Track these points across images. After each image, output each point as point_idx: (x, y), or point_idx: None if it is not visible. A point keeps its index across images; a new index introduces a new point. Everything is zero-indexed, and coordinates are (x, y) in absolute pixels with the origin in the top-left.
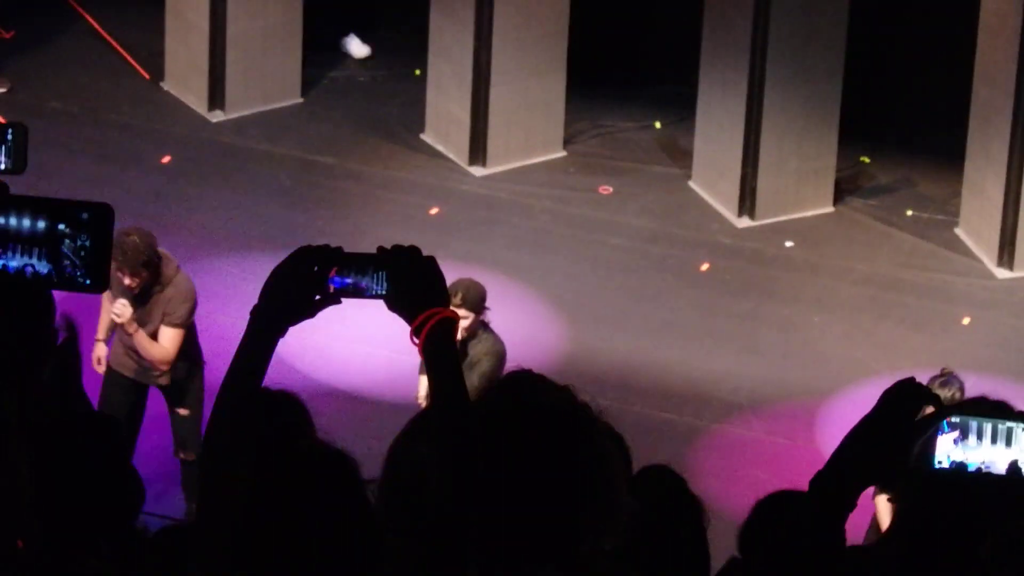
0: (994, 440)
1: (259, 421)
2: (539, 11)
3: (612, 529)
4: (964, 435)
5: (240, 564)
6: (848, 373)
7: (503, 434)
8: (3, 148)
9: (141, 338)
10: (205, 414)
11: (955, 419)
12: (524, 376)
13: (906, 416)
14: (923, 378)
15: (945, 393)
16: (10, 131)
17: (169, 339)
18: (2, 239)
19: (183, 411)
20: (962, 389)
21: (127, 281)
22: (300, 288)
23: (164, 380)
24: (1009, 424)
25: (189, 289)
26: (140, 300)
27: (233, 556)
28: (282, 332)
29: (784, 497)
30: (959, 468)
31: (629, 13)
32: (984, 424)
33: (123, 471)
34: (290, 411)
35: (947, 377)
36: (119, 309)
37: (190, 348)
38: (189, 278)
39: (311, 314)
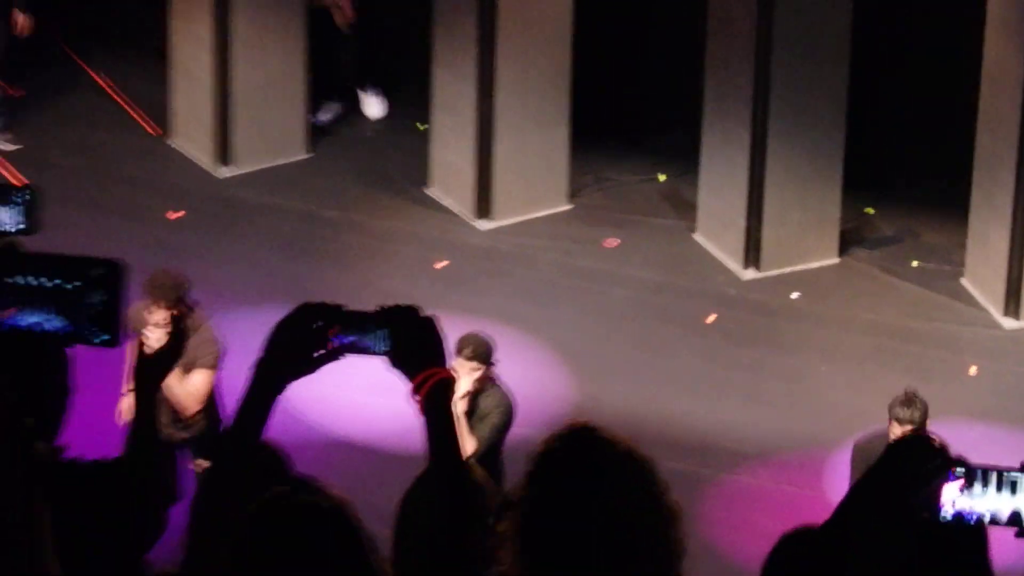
0: (999, 489)
1: (255, 471)
2: (541, 63)
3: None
4: (970, 483)
5: None
6: (855, 423)
7: (583, 486)
8: (17, 209)
9: (172, 378)
10: None
11: (959, 469)
12: (587, 428)
13: (912, 469)
14: (932, 427)
15: (907, 413)
16: (25, 193)
17: (201, 380)
18: (16, 297)
19: (203, 463)
20: (925, 411)
21: (157, 317)
22: (302, 344)
23: (184, 435)
24: (1015, 474)
25: (216, 338)
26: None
27: None
28: (283, 386)
29: (803, 535)
30: (963, 516)
31: (632, 65)
32: (990, 474)
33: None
34: (269, 459)
35: (910, 397)
36: (151, 333)
37: (213, 407)
38: (213, 330)
39: (312, 369)
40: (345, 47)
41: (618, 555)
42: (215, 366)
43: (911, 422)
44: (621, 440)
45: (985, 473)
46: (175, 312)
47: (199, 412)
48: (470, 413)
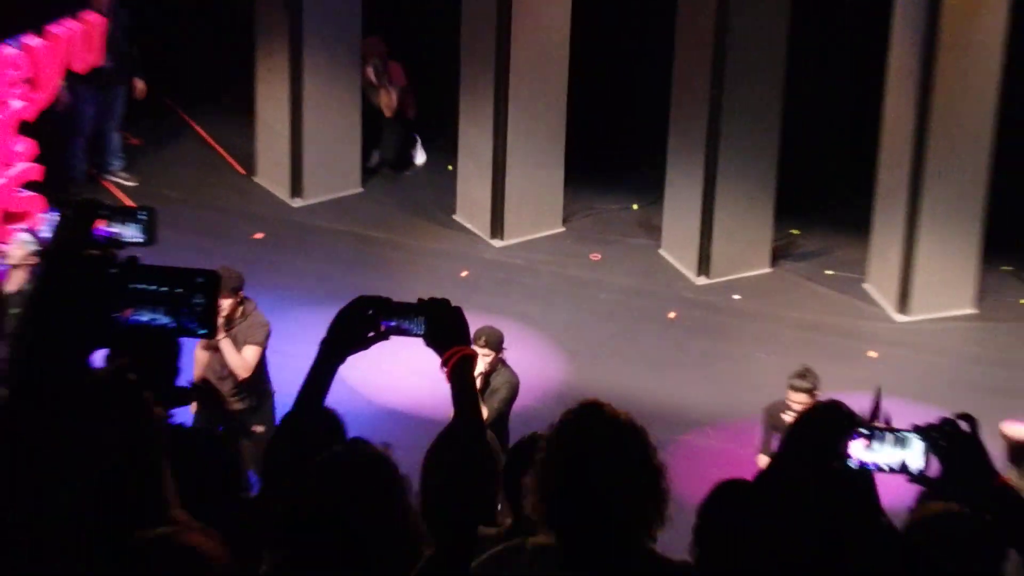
0: (894, 445)
1: (320, 429)
2: (544, 115)
3: (662, 521)
4: (871, 440)
5: (296, 543)
6: (784, 396)
7: (593, 445)
8: (139, 225)
9: (228, 345)
10: None
11: (863, 429)
12: (595, 404)
13: (827, 431)
14: (840, 397)
15: (801, 383)
16: (145, 212)
17: (251, 353)
18: (134, 299)
19: (259, 428)
20: (816, 382)
21: (223, 304)
22: (358, 326)
23: (243, 404)
24: (905, 434)
25: (265, 321)
26: (227, 327)
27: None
28: (342, 360)
29: (734, 485)
30: (865, 466)
31: (612, 120)
32: (887, 434)
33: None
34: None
35: (804, 371)
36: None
37: (262, 379)
38: (263, 315)
39: (366, 347)
40: (388, 122)
41: (621, 501)
42: (263, 343)
43: (805, 390)
44: (622, 413)
45: (882, 432)
46: (234, 300)
47: (252, 386)
48: (482, 390)
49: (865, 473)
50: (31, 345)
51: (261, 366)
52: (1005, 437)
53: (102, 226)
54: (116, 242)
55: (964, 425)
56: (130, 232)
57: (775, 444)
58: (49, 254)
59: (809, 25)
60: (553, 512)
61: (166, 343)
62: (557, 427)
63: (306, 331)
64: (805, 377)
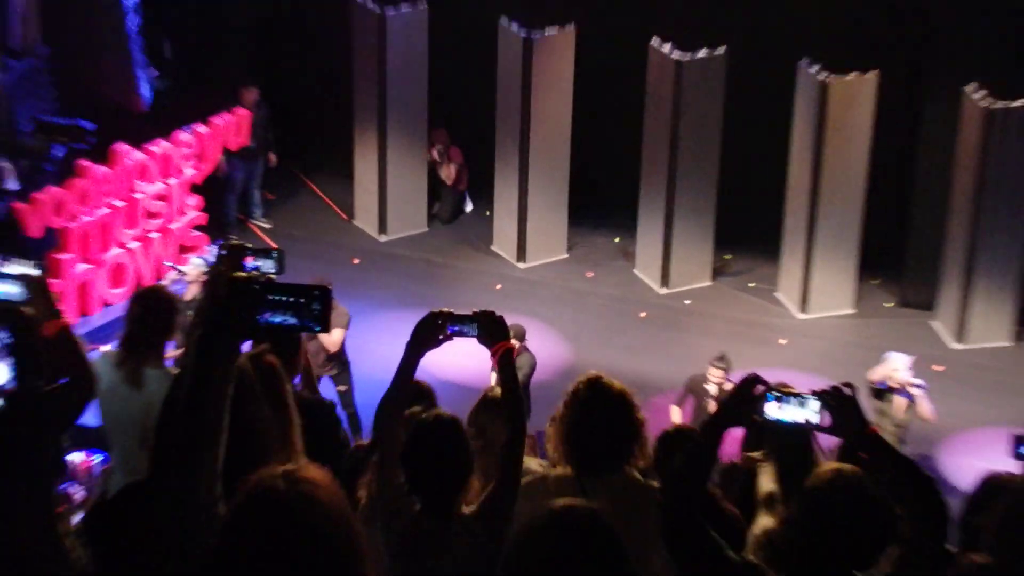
0: (797, 406)
1: (409, 400)
2: (552, 175)
3: (643, 455)
4: (780, 402)
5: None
6: (706, 371)
7: (592, 401)
8: (272, 261)
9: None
10: (353, 392)
11: (776, 394)
12: (597, 377)
13: (750, 393)
14: (758, 372)
15: (719, 364)
16: (277, 252)
17: (337, 334)
18: (272, 306)
19: (342, 387)
20: (729, 364)
21: None
22: (432, 331)
23: (332, 371)
24: (805, 397)
25: (346, 311)
26: None
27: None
28: (422, 355)
29: (681, 431)
30: (777, 421)
31: (601, 176)
32: (792, 397)
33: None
34: (426, 395)
35: (721, 356)
36: None
37: (343, 353)
38: (344, 306)
39: (438, 346)
40: (447, 187)
41: (615, 442)
42: (346, 326)
43: (720, 368)
44: (615, 381)
45: (789, 396)
46: None
47: (337, 358)
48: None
49: (785, 426)
50: (201, 337)
51: (342, 344)
52: (868, 381)
53: (249, 260)
54: (258, 272)
55: (847, 390)
56: (268, 265)
57: (687, 402)
58: (213, 277)
59: (737, 109)
60: (570, 451)
61: (291, 336)
62: (572, 391)
63: (390, 327)
64: (722, 359)
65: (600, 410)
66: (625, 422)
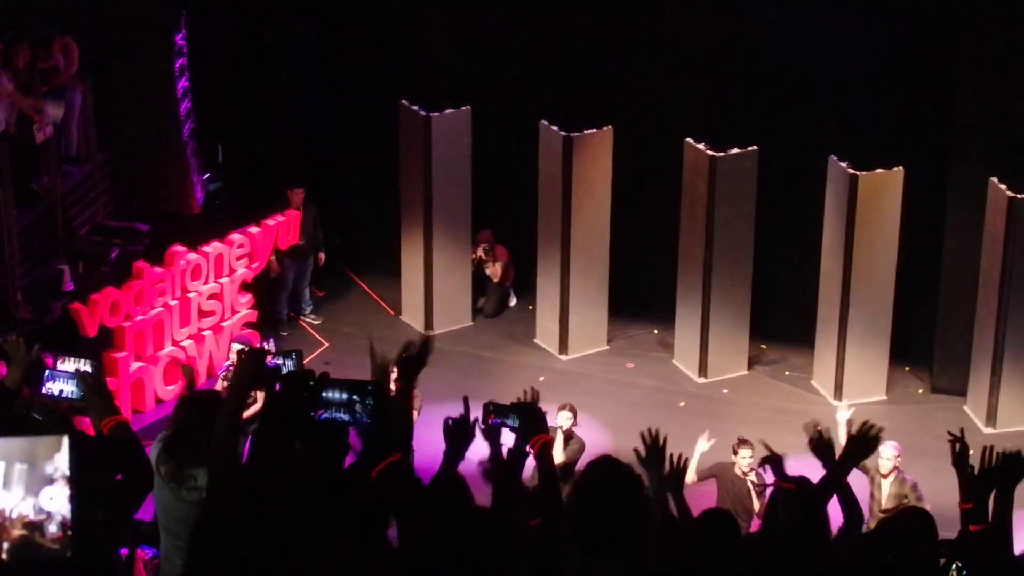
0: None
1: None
2: (592, 272)
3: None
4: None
5: None
6: (759, 451)
7: (604, 487)
8: (293, 362)
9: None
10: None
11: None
12: (609, 459)
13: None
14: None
15: (749, 446)
16: (295, 353)
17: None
18: (326, 404)
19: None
20: (752, 446)
21: None
22: (473, 430)
23: None
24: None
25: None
26: None
27: None
28: (466, 448)
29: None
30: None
31: (639, 272)
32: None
33: None
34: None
35: (744, 440)
36: None
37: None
38: None
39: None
40: (493, 283)
41: (626, 514)
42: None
43: (751, 448)
44: (623, 463)
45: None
46: None
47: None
48: (568, 438)
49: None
50: (257, 432)
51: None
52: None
53: (269, 360)
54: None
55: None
56: (288, 365)
57: (710, 483)
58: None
59: (769, 204)
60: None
61: (340, 433)
62: (584, 470)
63: (438, 416)
64: (745, 443)
65: (608, 484)
66: (630, 494)
